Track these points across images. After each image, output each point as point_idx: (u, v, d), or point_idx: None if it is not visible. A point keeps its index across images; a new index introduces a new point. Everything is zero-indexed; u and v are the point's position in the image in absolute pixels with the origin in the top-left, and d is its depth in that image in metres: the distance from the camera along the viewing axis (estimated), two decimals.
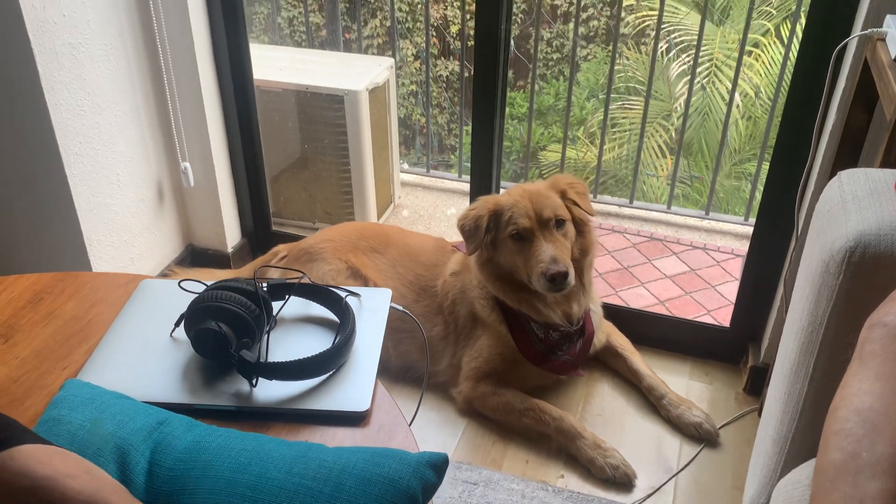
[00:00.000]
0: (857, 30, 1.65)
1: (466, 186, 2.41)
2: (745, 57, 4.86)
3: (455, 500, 1.83)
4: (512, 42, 5.64)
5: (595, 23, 6.11)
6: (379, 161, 2.86)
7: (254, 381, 1.10)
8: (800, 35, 1.86)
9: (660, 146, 5.08)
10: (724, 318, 2.49)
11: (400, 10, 6.06)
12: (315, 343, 1.19)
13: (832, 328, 1.10)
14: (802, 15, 1.82)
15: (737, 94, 4.89)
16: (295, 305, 1.27)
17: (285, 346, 1.19)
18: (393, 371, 2.14)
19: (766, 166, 2.05)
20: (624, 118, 5.30)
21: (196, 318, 1.12)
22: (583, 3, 5.91)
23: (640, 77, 5.42)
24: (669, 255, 2.89)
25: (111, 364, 1.16)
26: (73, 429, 0.95)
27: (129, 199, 2.33)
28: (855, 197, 1.13)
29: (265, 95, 2.66)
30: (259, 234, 2.71)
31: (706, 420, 2.03)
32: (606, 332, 2.21)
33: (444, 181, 3.52)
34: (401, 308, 1.32)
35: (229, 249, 2.63)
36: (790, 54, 3.39)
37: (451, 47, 6.23)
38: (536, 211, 1.91)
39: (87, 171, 2.14)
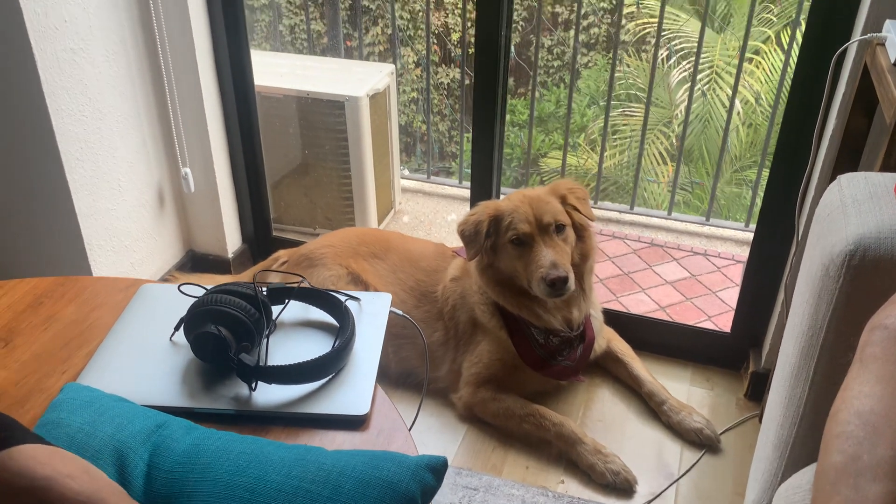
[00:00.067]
0: (857, 34, 1.65)
1: (467, 192, 2.41)
2: (745, 64, 4.89)
3: None
4: (513, 49, 5.66)
5: (596, 30, 6.13)
6: (379, 167, 2.87)
7: (253, 385, 1.10)
8: (800, 41, 1.86)
9: (660, 153, 5.09)
10: (724, 323, 2.48)
11: (401, 17, 6.08)
12: (315, 347, 1.19)
13: (832, 332, 1.10)
14: (802, 22, 1.82)
15: (737, 101, 4.90)
16: (295, 309, 1.27)
17: (285, 349, 1.18)
18: (393, 377, 2.14)
19: (766, 173, 2.05)
20: (625, 125, 5.31)
21: (196, 322, 1.12)
22: (583, 11, 5.93)
23: (640, 84, 5.43)
24: (670, 261, 2.89)
25: (111, 368, 1.16)
26: (72, 431, 0.95)
27: (129, 204, 2.33)
28: (855, 201, 1.13)
29: (266, 101, 2.67)
30: (260, 240, 2.72)
31: (707, 426, 2.02)
32: (607, 338, 2.21)
33: (444, 187, 3.53)
34: (400, 312, 1.32)
35: (230, 255, 2.63)
36: (790, 61, 3.39)
37: (453, 54, 6.25)
38: (536, 216, 1.91)
39: (88, 176, 2.14)
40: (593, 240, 2.03)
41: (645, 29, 5.53)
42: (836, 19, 1.73)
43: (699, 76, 4.90)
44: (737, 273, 2.81)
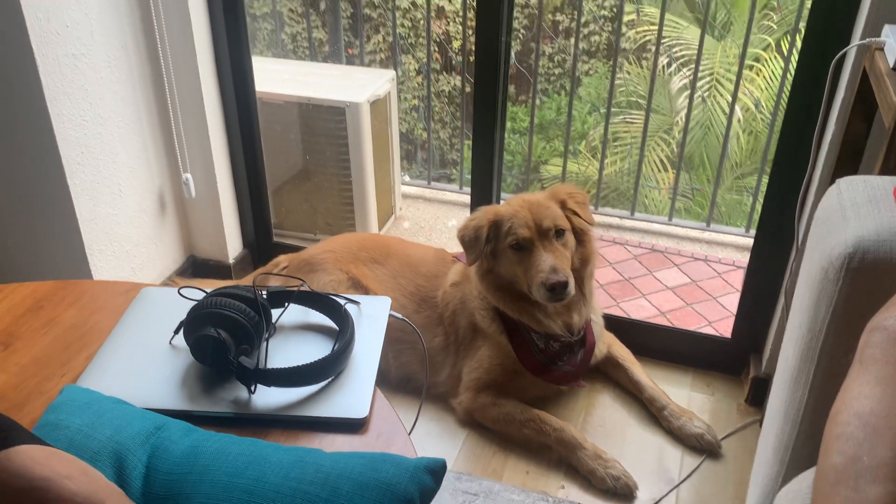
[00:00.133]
0: (856, 39, 1.66)
1: (467, 198, 2.41)
2: (746, 71, 4.90)
3: None
4: (514, 56, 5.68)
5: (596, 38, 6.15)
6: (380, 172, 2.87)
7: (252, 388, 1.10)
8: (800, 47, 1.87)
9: (661, 160, 5.09)
10: (725, 329, 2.48)
11: (402, 25, 6.10)
12: (314, 350, 1.19)
13: (832, 334, 1.10)
14: (802, 29, 1.82)
15: (738, 108, 4.91)
16: (294, 313, 1.27)
17: (284, 353, 1.18)
18: (393, 382, 2.13)
19: (766, 179, 2.05)
20: (625, 132, 5.31)
21: (195, 325, 1.12)
22: (584, 19, 5.96)
23: (641, 91, 5.45)
24: (671, 267, 2.89)
25: (110, 371, 1.16)
26: (71, 433, 0.95)
27: (130, 209, 2.33)
28: (854, 204, 1.13)
29: (267, 107, 2.68)
30: (260, 245, 2.72)
31: (708, 431, 2.02)
32: (608, 343, 2.21)
33: (445, 193, 3.53)
34: (400, 316, 1.32)
35: (231, 260, 2.64)
36: (790, 68, 3.40)
37: (454, 62, 6.27)
38: (536, 221, 1.91)
39: (89, 181, 2.15)
40: (593, 244, 2.03)
41: (645, 36, 5.55)
42: (835, 24, 1.73)
43: (699, 83, 4.91)
44: (737, 278, 2.81)
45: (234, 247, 2.65)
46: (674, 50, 5.27)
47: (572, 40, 6.13)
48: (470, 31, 4.20)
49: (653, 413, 2.10)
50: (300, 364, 1.10)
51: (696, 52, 4.63)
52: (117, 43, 2.15)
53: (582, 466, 1.91)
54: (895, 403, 0.76)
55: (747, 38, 3.27)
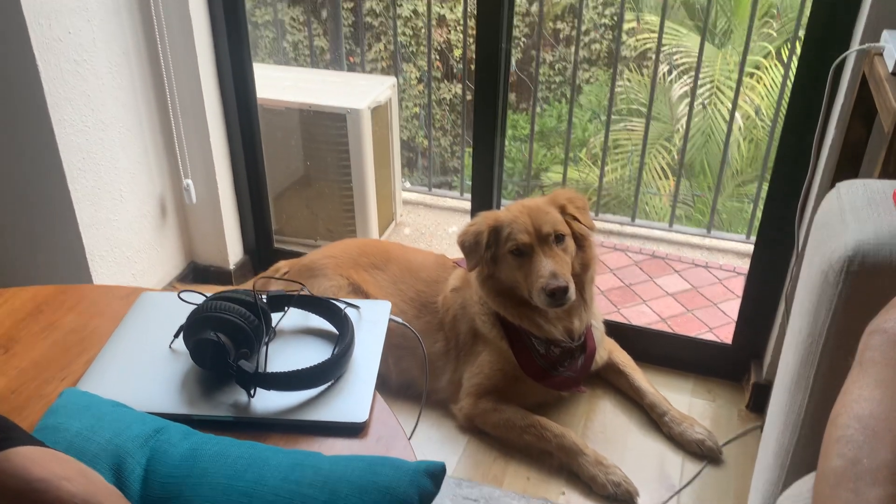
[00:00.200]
0: (855, 44, 1.66)
1: (468, 205, 2.42)
2: (746, 79, 4.90)
3: None
4: (514, 64, 5.69)
5: (597, 46, 6.17)
6: (381, 179, 2.87)
7: (252, 392, 1.10)
8: (799, 53, 1.87)
9: (662, 167, 5.10)
10: (726, 335, 2.48)
11: (403, 34, 6.12)
12: (314, 354, 1.19)
13: (832, 338, 1.10)
14: (802, 36, 1.83)
15: (738, 116, 4.92)
16: (294, 317, 1.27)
17: (284, 357, 1.18)
18: (393, 388, 2.13)
19: (766, 186, 2.06)
20: (626, 139, 5.32)
21: (195, 329, 1.12)
22: (584, 27, 5.97)
23: (641, 99, 5.46)
24: (671, 273, 2.89)
25: (110, 374, 1.16)
26: (70, 436, 0.95)
27: (131, 215, 2.34)
28: (853, 207, 1.13)
29: (268, 114, 2.68)
30: (261, 252, 2.72)
31: (709, 437, 2.01)
32: (608, 349, 2.21)
33: (445, 199, 3.53)
34: (400, 320, 1.32)
35: (231, 266, 2.64)
36: (790, 75, 3.41)
37: (455, 70, 6.28)
38: (536, 226, 1.91)
39: (90, 186, 2.15)
40: (594, 249, 2.03)
41: (645, 44, 5.57)
42: (834, 29, 1.74)
43: (700, 91, 4.92)
44: (738, 285, 2.80)
45: (234, 253, 2.65)
46: (674, 57, 5.28)
47: (573, 48, 6.15)
48: (471, 40, 4.21)
49: (654, 419, 2.10)
50: (300, 368, 1.09)
51: (696, 59, 4.64)
52: (119, 49, 2.16)
53: (583, 472, 1.91)
54: (895, 406, 0.76)
55: (747, 45, 3.27)
